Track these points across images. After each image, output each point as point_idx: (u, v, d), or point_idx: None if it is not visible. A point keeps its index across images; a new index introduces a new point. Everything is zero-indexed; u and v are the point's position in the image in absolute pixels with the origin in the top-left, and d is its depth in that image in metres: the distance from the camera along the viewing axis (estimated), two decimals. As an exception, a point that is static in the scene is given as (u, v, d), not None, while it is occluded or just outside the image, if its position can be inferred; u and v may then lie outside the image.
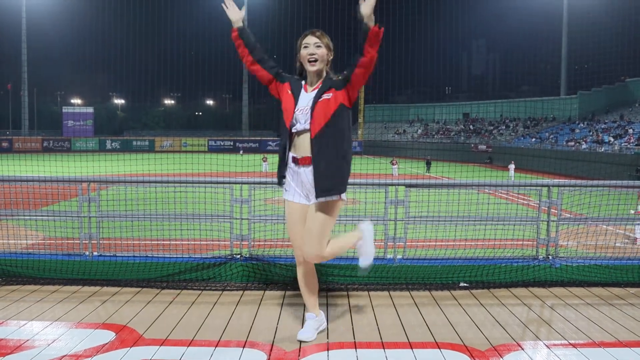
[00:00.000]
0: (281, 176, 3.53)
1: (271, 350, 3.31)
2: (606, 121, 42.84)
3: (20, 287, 4.57)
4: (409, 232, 4.92)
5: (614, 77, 50.30)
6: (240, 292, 4.48)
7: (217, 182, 5.08)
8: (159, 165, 10.93)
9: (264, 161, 30.78)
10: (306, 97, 3.37)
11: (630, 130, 37.31)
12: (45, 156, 20.16)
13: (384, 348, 3.35)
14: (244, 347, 3.36)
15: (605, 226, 5.66)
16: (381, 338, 3.52)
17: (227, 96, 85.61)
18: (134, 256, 4.89)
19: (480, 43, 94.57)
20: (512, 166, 30.09)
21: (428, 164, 33.10)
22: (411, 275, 4.74)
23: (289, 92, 3.42)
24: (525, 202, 12.36)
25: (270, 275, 4.69)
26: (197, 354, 3.23)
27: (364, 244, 3.60)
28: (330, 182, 3.30)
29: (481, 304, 4.24)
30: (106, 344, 3.36)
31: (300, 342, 3.42)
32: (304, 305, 3.72)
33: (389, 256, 4.90)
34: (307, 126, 3.31)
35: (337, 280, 4.63)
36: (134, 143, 57.72)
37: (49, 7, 58.73)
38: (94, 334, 3.53)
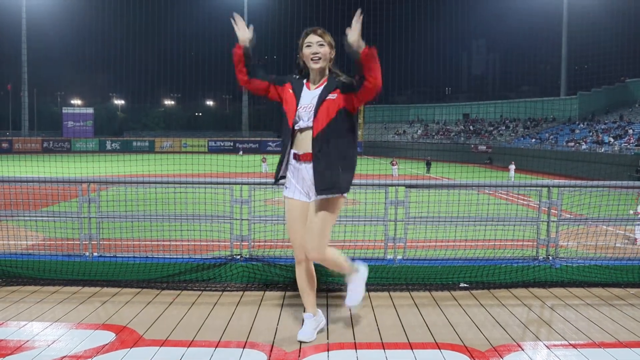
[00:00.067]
0: (279, 177, 3.54)
1: (271, 350, 3.31)
2: (606, 122, 42.85)
3: (21, 287, 4.57)
4: (409, 232, 4.92)
5: (614, 78, 50.34)
6: (241, 292, 4.48)
7: (217, 183, 5.08)
8: (159, 166, 10.95)
9: (263, 162, 30.77)
10: (309, 94, 3.38)
11: (630, 131, 37.31)
12: (45, 157, 20.16)
13: (384, 348, 3.35)
14: (244, 347, 3.36)
15: (605, 227, 5.66)
16: (381, 338, 3.52)
17: (227, 97, 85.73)
18: (134, 257, 4.89)
19: (480, 43, 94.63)
20: (512, 167, 30.07)
21: (428, 164, 33.08)
22: (411, 276, 4.74)
23: (290, 91, 3.43)
24: (525, 202, 12.37)
25: (270, 275, 4.69)
26: (197, 355, 3.23)
27: (355, 281, 3.64)
28: (331, 180, 3.31)
29: (481, 305, 4.24)
30: (106, 344, 3.36)
31: (301, 342, 3.42)
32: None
33: (389, 257, 4.90)
34: (310, 124, 3.32)
35: (337, 280, 4.62)
36: (134, 144, 57.74)
37: (49, 7, 58.73)
38: (94, 334, 3.53)
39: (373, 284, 4.64)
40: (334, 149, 3.31)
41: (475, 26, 78.64)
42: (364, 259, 4.83)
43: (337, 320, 3.85)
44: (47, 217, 5.24)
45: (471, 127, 56.22)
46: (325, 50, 3.35)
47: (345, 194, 3.42)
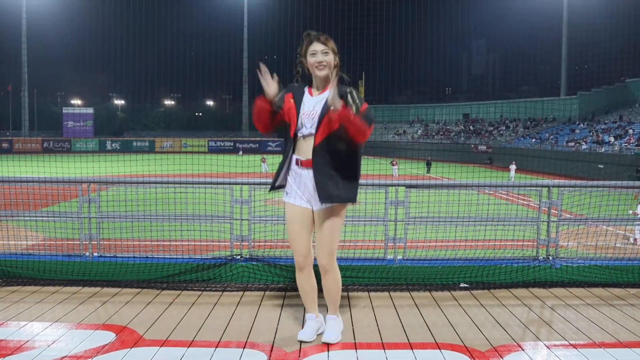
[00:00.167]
0: (277, 185, 3.49)
1: (271, 351, 3.31)
2: (606, 122, 42.86)
3: (21, 288, 4.57)
4: (409, 232, 4.92)
5: (614, 78, 50.38)
6: (241, 292, 4.48)
7: (217, 183, 5.08)
8: (159, 166, 10.96)
9: (263, 162, 30.77)
10: (312, 100, 3.35)
11: (630, 131, 37.32)
12: (45, 157, 20.17)
13: (384, 349, 3.35)
14: (244, 347, 3.36)
15: (605, 227, 5.66)
16: (381, 339, 3.52)
17: (227, 97, 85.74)
18: (134, 257, 4.89)
19: (480, 43, 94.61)
20: (512, 167, 30.07)
21: (428, 164, 33.09)
22: (411, 276, 4.74)
23: (292, 101, 3.36)
24: (525, 202, 12.37)
25: (271, 276, 4.69)
26: (197, 355, 3.23)
27: (336, 321, 3.52)
28: (332, 189, 3.29)
29: (481, 305, 4.24)
30: (106, 344, 3.36)
31: (301, 342, 3.42)
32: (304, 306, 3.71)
33: (389, 257, 4.90)
34: (313, 131, 3.30)
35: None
36: (134, 144, 57.77)
37: (49, 7, 58.79)
38: (94, 334, 3.53)
39: (373, 284, 4.64)
40: (335, 158, 3.29)
41: (475, 26, 78.74)
42: (364, 259, 4.85)
43: (337, 320, 3.84)
44: (47, 217, 5.24)
45: (471, 127, 56.23)
46: (330, 58, 3.32)
47: (350, 203, 3.42)
